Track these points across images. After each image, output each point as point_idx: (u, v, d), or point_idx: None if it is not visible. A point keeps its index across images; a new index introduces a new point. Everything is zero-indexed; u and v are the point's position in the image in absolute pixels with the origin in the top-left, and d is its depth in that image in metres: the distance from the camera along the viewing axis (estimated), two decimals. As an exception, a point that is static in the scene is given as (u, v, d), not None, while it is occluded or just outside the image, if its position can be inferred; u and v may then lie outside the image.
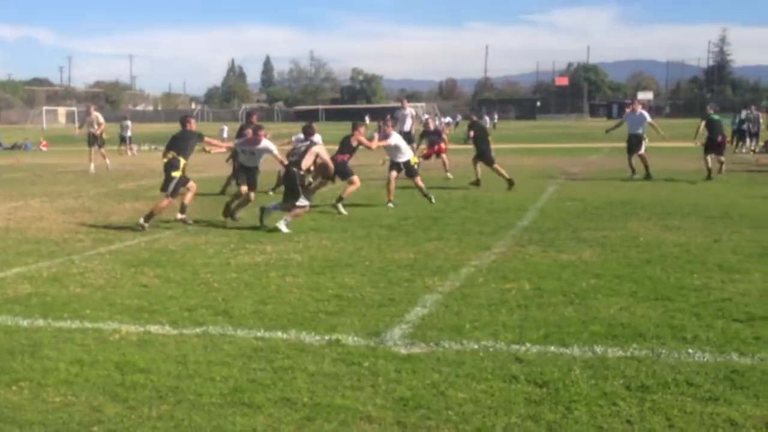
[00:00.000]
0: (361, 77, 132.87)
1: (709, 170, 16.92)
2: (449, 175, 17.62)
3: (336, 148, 13.03)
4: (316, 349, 5.21)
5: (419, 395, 4.35)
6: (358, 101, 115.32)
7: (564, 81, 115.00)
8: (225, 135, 38.24)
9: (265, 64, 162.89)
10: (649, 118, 17.67)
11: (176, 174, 10.67)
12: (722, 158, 17.66)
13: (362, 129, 13.17)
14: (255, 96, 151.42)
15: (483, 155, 15.80)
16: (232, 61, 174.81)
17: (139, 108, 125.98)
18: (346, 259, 8.39)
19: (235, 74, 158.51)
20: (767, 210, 11.71)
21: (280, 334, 5.56)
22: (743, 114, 27.95)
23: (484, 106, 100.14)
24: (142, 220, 10.50)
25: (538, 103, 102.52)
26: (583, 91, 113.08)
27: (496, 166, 15.66)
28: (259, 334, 5.55)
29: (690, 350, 5.07)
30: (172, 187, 10.70)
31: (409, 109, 20.63)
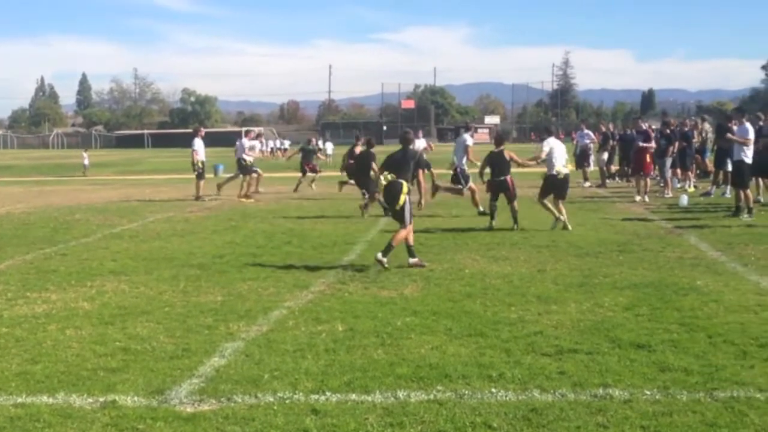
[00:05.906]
0: (193, 98, 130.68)
1: None
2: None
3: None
4: (86, 413, 4.95)
5: (194, 460, 4.22)
6: (190, 125, 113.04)
7: (410, 104, 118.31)
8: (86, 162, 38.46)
9: (81, 83, 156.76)
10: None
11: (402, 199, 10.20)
12: None
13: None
14: (70, 119, 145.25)
15: None
16: (41, 78, 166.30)
17: None
18: (143, 305, 8.11)
19: (45, 94, 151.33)
20: (594, 238, 12.48)
21: (45, 398, 5.25)
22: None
23: (328, 130, 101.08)
24: (380, 255, 9.91)
25: (384, 128, 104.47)
26: (431, 115, 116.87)
27: None
28: (20, 400, 5.20)
29: (494, 389, 5.26)
30: (408, 215, 10.24)
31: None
